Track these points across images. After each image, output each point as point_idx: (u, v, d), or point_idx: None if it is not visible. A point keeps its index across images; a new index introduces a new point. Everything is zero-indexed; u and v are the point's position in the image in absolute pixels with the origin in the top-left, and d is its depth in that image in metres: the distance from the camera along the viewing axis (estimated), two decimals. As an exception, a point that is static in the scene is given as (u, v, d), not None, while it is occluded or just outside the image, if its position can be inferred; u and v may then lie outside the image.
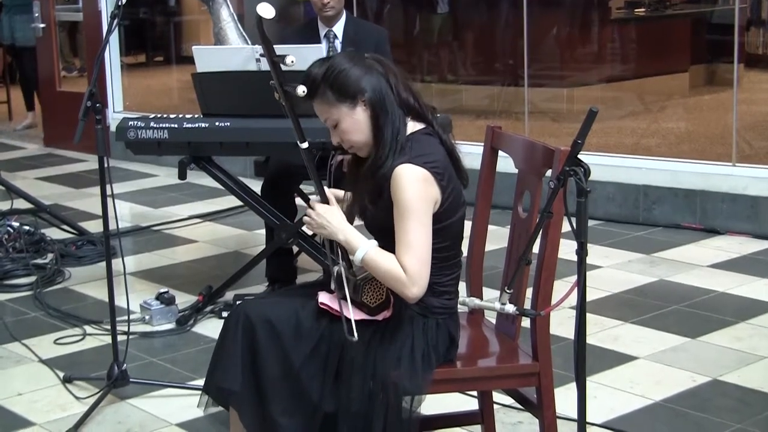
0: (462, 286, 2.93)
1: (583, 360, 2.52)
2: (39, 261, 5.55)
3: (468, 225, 2.92)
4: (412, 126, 2.81)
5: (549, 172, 2.79)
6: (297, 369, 2.73)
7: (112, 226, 3.83)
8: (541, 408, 2.83)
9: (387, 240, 2.73)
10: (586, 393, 2.56)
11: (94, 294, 5.09)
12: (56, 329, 4.63)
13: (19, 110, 10.65)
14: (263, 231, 5.18)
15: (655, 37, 8.60)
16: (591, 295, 4.44)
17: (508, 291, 2.66)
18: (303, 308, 2.80)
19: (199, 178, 6.40)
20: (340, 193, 2.95)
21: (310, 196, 2.88)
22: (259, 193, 4.75)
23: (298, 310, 2.80)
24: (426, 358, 2.76)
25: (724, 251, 5.53)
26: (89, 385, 3.97)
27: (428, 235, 2.70)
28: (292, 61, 2.73)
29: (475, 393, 3.28)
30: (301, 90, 2.73)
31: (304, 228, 4.45)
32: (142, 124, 4.47)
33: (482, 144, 3.15)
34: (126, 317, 4.09)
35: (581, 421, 2.57)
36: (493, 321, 3.11)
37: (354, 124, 2.77)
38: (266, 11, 2.76)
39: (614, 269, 5.28)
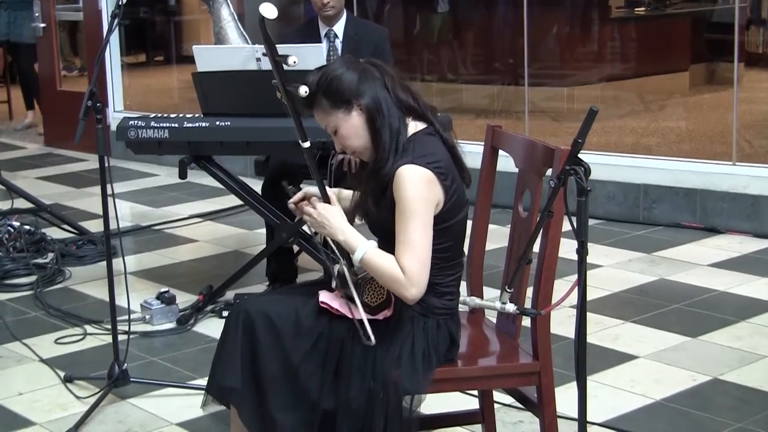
0: (462, 286, 2.93)
1: (584, 359, 2.52)
2: (39, 260, 5.55)
3: (468, 224, 2.92)
4: (414, 126, 2.81)
5: (549, 172, 2.79)
6: (296, 366, 2.73)
7: (112, 225, 3.83)
8: (542, 407, 2.84)
9: (389, 241, 2.73)
10: (587, 392, 2.56)
11: (95, 293, 5.09)
12: (57, 329, 4.63)
13: (19, 110, 10.65)
14: (264, 230, 5.18)
15: (655, 36, 8.59)
16: (591, 295, 4.44)
17: (508, 290, 2.66)
18: (303, 306, 2.80)
19: (199, 177, 6.39)
20: (348, 192, 2.95)
21: (307, 189, 2.88)
22: (260, 193, 4.75)
23: (299, 307, 2.80)
24: (426, 358, 2.76)
25: (724, 250, 5.53)
26: (90, 385, 3.97)
27: (429, 236, 2.70)
28: (295, 62, 2.73)
29: (475, 392, 3.28)
30: (303, 90, 2.74)
31: (304, 227, 4.45)
32: (143, 124, 4.47)
33: (482, 143, 3.15)
34: (126, 317, 4.09)
35: (582, 421, 2.57)
36: (494, 320, 3.11)
37: (351, 129, 2.77)
38: (269, 11, 2.76)
39: (615, 268, 5.29)
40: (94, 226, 6.19)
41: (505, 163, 3.10)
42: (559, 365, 3.36)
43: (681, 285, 5.00)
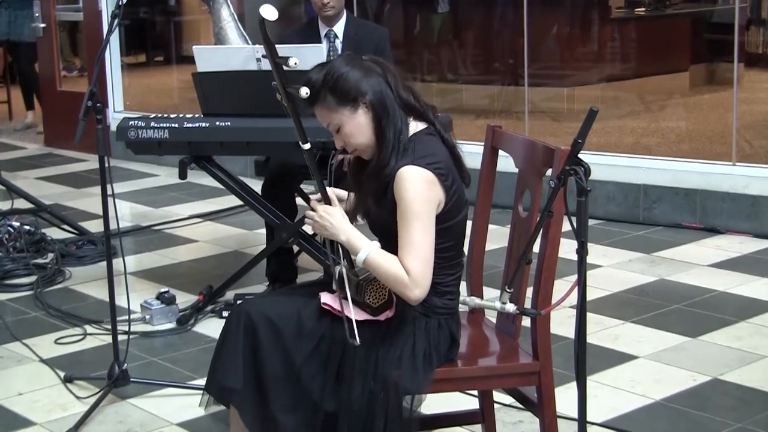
0: (462, 286, 2.93)
1: (584, 359, 2.53)
2: (39, 261, 5.55)
3: (468, 224, 2.92)
4: (414, 126, 2.81)
5: (549, 172, 2.79)
6: (298, 368, 2.73)
7: (112, 225, 3.83)
8: (542, 407, 2.84)
9: (390, 241, 2.73)
10: (587, 392, 2.56)
11: (95, 294, 5.09)
12: (57, 329, 4.63)
13: (19, 110, 10.65)
14: (264, 230, 5.18)
15: (655, 37, 8.59)
16: (591, 295, 4.44)
17: (508, 290, 2.66)
18: (305, 307, 2.80)
19: (199, 177, 6.39)
20: (343, 193, 2.95)
21: (311, 196, 2.88)
22: (260, 193, 4.75)
23: (300, 309, 2.80)
24: (427, 358, 2.76)
25: (724, 250, 5.53)
26: (90, 385, 3.97)
27: (431, 237, 2.70)
28: (295, 63, 2.73)
29: (475, 392, 3.28)
30: (304, 92, 2.73)
31: (304, 227, 4.46)
32: (143, 124, 4.47)
33: (483, 143, 3.15)
34: (126, 317, 4.09)
35: (582, 421, 2.57)
36: (494, 320, 3.11)
37: (356, 127, 2.77)
38: (269, 13, 2.76)
39: (614, 268, 5.29)
40: (94, 227, 6.19)
41: (505, 163, 3.10)
42: (559, 365, 3.36)
43: (681, 285, 5.00)
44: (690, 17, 8.73)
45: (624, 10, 8.89)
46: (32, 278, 5.27)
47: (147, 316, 4.64)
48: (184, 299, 4.84)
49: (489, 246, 3.18)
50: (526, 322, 2.90)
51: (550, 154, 2.79)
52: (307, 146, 2.82)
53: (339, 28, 5.02)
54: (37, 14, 9.16)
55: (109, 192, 3.65)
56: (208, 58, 4.60)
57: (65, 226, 6.17)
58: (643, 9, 8.87)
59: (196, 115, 4.56)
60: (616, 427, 3.53)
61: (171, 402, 3.83)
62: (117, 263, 3.93)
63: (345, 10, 5.06)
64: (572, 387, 2.63)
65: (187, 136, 4.46)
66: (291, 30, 5.40)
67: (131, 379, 3.82)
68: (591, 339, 3.63)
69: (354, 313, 2.72)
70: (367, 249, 2.73)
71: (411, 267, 2.67)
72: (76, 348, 4.43)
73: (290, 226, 4.57)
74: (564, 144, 2.69)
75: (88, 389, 3.94)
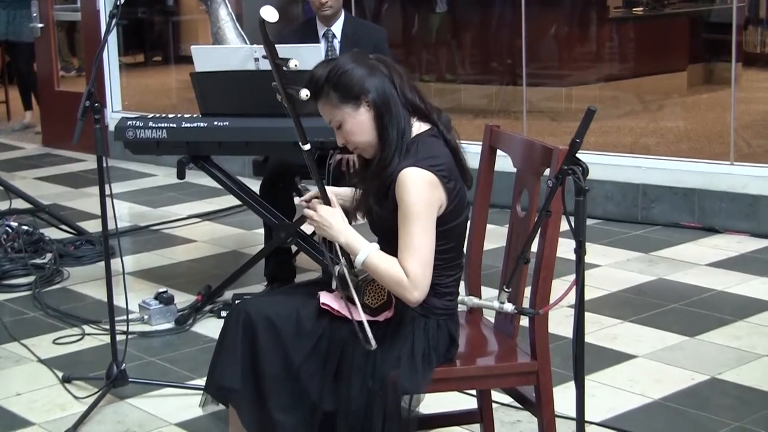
0: (461, 285, 2.93)
1: (582, 359, 2.53)
2: (38, 261, 5.55)
3: (467, 224, 2.93)
4: (418, 127, 2.81)
5: (547, 171, 2.79)
6: (297, 367, 2.73)
7: (110, 225, 3.83)
8: (540, 407, 2.84)
9: (390, 242, 2.73)
10: (585, 392, 2.56)
11: (93, 294, 5.09)
12: (55, 329, 4.63)
13: (17, 110, 10.64)
14: (262, 230, 5.18)
15: (653, 36, 8.59)
16: (589, 294, 4.45)
17: (506, 290, 2.66)
18: (304, 307, 2.80)
19: (197, 177, 6.40)
20: (343, 191, 2.94)
21: (307, 194, 2.88)
22: (258, 193, 4.75)
23: (299, 308, 2.80)
24: (426, 359, 2.76)
25: (722, 250, 5.53)
26: (88, 385, 3.97)
27: (431, 239, 2.70)
28: (296, 65, 2.73)
29: (473, 392, 3.28)
30: (304, 93, 2.73)
31: (303, 227, 4.46)
32: (141, 124, 4.47)
33: (481, 143, 3.15)
34: (125, 317, 4.09)
35: (580, 420, 2.57)
36: (492, 320, 3.12)
37: (357, 125, 2.77)
38: (269, 15, 2.75)
39: (613, 268, 5.29)
40: (93, 227, 6.19)
41: (503, 162, 3.10)
42: (558, 365, 3.37)
43: (679, 284, 5.00)
44: (688, 17, 8.74)
45: (622, 9, 8.89)
46: (30, 278, 5.27)
47: (145, 316, 4.63)
48: (183, 299, 4.84)
49: (487, 245, 3.18)
50: (524, 321, 2.90)
51: (548, 154, 2.79)
52: (307, 147, 2.81)
53: (337, 27, 5.02)
54: (35, 14, 9.16)
55: (108, 192, 3.65)
56: (206, 57, 4.60)
57: (63, 226, 6.17)
58: (641, 9, 8.87)
59: (195, 115, 4.56)
60: (614, 426, 3.53)
61: (169, 402, 3.83)
62: (115, 263, 3.92)
63: (343, 10, 5.06)
64: (570, 386, 2.63)
65: (185, 136, 4.45)
66: (289, 29, 5.39)
67: (130, 379, 3.82)
68: (589, 338, 3.63)
69: (353, 314, 2.72)
70: (367, 251, 2.73)
71: (410, 269, 2.67)
72: (75, 348, 4.43)
73: (289, 225, 4.57)
74: (562, 143, 2.69)
75: (87, 389, 3.94)
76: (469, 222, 3.00)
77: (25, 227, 5.79)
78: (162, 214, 6.73)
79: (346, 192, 2.96)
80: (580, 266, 2.47)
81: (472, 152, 2.95)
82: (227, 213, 6.62)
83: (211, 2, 5.40)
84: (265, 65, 4.05)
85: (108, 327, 3.88)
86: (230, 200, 6.12)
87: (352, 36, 4.98)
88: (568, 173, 2.46)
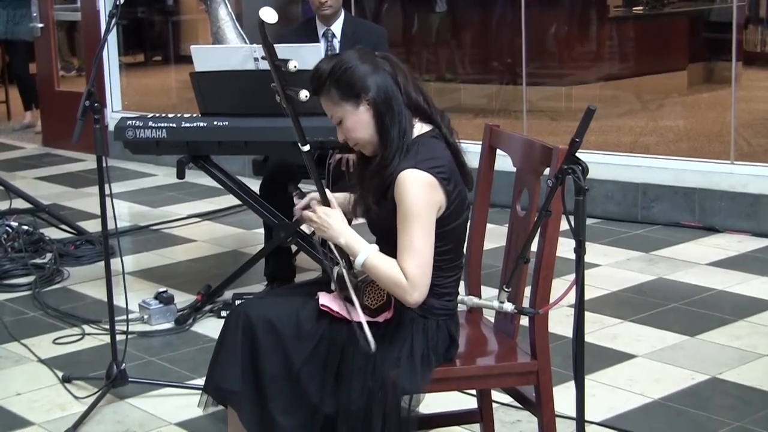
0: (460, 285, 2.93)
1: (582, 358, 2.53)
2: (38, 261, 5.55)
3: (466, 223, 2.92)
4: (419, 128, 2.80)
5: (547, 171, 2.79)
6: (297, 369, 2.73)
7: (110, 225, 3.83)
8: (540, 406, 2.84)
9: (389, 242, 2.73)
10: (585, 391, 2.56)
11: (93, 294, 5.09)
12: (55, 329, 4.63)
13: (18, 110, 10.64)
14: (262, 230, 5.18)
15: (653, 35, 8.59)
16: (589, 294, 4.45)
17: (506, 289, 2.66)
18: (303, 308, 2.80)
19: (197, 177, 6.39)
20: (338, 196, 2.94)
21: (308, 195, 2.87)
22: (258, 192, 4.75)
23: (299, 309, 2.80)
24: (425, 359, 2.76)
25: (723, 249, 5.53)
26: (88, 385, 3.97)
27: (431, 240, 2.69)
28: (295, 66, 2.72)
29: (473, 391, 3.28)
30: (304, 95, 2.73)
31: (302, 227, 4.45)
32: (141, 124, 4.47)
33: (480, 142, 3.15)
34: (125, 317, 4.08)
35: (580, 420, 2.57)
36: (492, 320, 3.11)
37: (357, 122, 2.76)
38: (269, 16, 2.75)
39: (613, 267, 5.29)
40: (92, 226, 6.19)
41: (503, 162, 3.10)
42: (558, 364, 3.36)
43: (679, 284, 5.00)
44: (688, 16, 8.73)
45: (622, 8, 8.89)
46: (30, 278, 5.27)
47: (145, 316, 4.63)
48: (183, 299, 4.84)
49: (487, 245, 3.18)
50: (524, 321, 2.90)
51: (548, 153, 2.79)
52: (307, 148, 2.81)
53: (337, 27, 5.02)
54: (35, 14, 9.16)
55: (107, 192, 3.65)
56: (205, 57, 4.60)
57: (63, 226, 6.17)
58: (641, 8, 8.86)
59: (194, 115, 4.56)
60: (614, 426, 3.53)
61: (169, 402, 3.82)
62: (115, 263, 3.92)
63: (343, 10, 5.06)
64: (570, 386, 2.63)
65: (185, 136, 4.45)
66: (288, 29, 5.39)
67: (129, 379, 3.82)
68: (589, 338, 3.63)
69: (353, 315, 2.71)
70: (366, 252, 2.72)
71: (409, 270, 2.67)
72: (75, 348, 4.43)
73: (288, 225, 4.57)
74: (562, 143, 2.69)
75: (87, 389, 3.94)
76: (469, 221, 3.00)
77: (25, 227, 5.79)
78: (162, 214, 6.72)
79: (342, 197, 2.95)
80: (580, 266, 2.47)
81: (471, 152, 2.95)
82: (227, 213, 6.62)
83: (210, 2, 5.40)
84: (265, 65, 4.04)
85: (108, 327, 3.88)
86: (230, 200, 6.12)
87: (352, 35, 4.98)
88: (568, 173, 2.46)
